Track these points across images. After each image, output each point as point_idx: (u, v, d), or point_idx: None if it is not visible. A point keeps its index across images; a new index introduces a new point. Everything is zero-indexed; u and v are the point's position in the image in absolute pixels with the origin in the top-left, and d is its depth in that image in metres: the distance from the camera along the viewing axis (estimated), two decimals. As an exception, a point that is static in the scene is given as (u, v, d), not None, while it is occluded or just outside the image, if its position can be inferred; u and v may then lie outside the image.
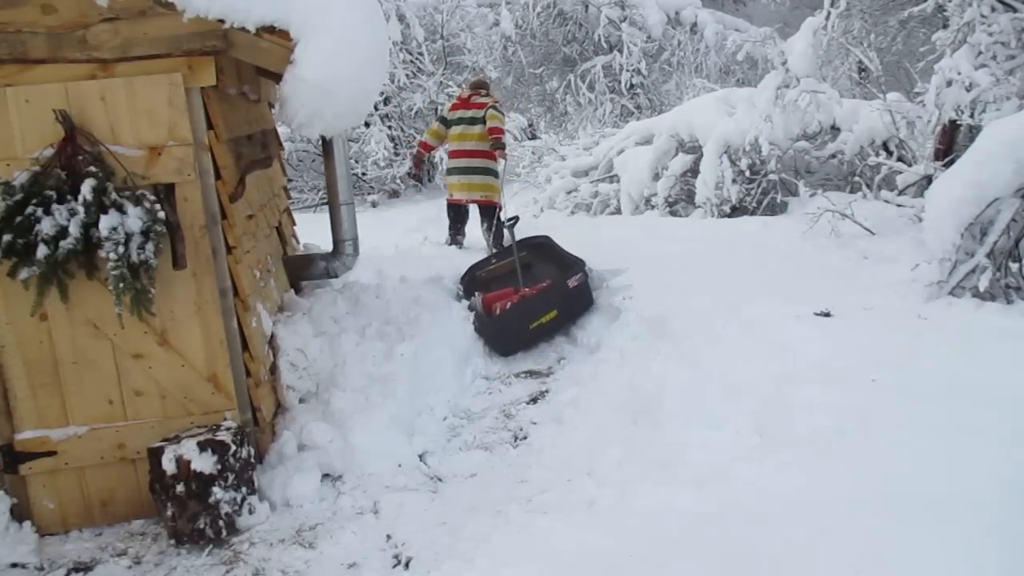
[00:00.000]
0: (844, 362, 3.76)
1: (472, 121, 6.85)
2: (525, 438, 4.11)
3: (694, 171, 8.56)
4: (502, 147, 6.73)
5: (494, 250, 6.55)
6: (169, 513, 3.33)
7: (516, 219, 6.01)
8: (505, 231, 6.00)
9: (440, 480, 3.79)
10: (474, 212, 7.28)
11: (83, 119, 3.33)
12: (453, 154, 7.01)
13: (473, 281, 5.87)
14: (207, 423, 3.56)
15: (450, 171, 7.10)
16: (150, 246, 3.27)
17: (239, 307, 3.70)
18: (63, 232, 3.19)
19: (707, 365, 3.87)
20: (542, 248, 6.03)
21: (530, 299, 5.23)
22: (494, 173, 6.94)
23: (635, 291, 5.26)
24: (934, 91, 5.93)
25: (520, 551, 2.84)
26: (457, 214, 7.22)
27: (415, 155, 7.37)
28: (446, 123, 7.02)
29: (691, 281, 5.26)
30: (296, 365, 4.19)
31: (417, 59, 13.81)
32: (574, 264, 5.50)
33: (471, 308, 5.35)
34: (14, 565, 3.29)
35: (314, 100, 3.58)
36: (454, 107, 7.10)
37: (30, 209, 3.18)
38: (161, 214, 3.32)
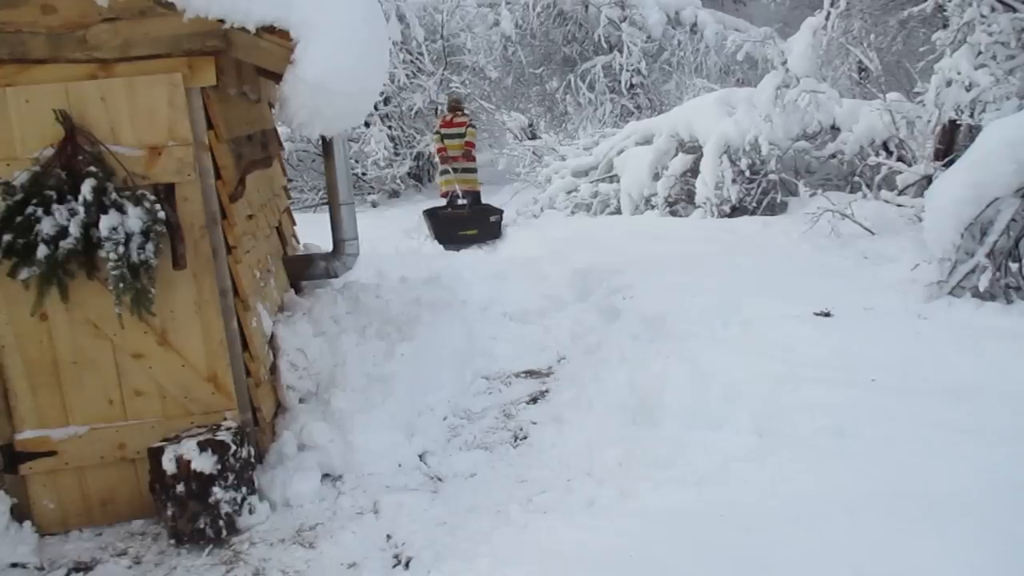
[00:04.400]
0: (844, 362, 3.76)
1: (458, 136, 10.16)
2: (525, 438, 4.11)
3: (694, 171, 8.56)
4: (471, 155, 10.29)
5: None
6: (169, 513, 3.33)
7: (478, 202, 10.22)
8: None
9: (440, 480, 3.79)
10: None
11: (83, 119, 3.33)
12: (448, 160, 10.24)
13: (432, 215, 9.62)
14: (207, 423, 3.56)
15: (442, 172, 10.47)
16: (150, 246, 3.27)
17: (239, 307, 3.70)
18: (63, 232, 3.19)
19: (707, 365, 3.87)
20: (482, 208, 9.77)
21: (464, 216, 9.32)
22: (474, 171, 10.38)
23: (635, 291, 5.27)
24: (934, 91, 5.94)
25: (520, 551, 2.85)
26: (448, 199, 10.35)
27: (441, 156, 10.32)
28: (441, 136, 10.31)
29: (691, 281, 5.26)
30: (296, 365, 4.19)
31: (417, 59, 13.81)
32: (496, 211, 9.41)
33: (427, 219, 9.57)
34: (14, 565, 3.29)
35: (314, 100, 3.58)
36: (443, 125, 10.35)
37: (30, 209, 3.17)
38: (161, 214, 3.32)
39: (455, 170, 10.15)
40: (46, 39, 3.30)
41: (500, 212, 9.32)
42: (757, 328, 4.21)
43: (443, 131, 10.26)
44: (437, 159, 10.34)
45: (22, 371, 3.45)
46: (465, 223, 8.96)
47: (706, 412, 3.56)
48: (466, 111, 10.88)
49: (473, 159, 10.28)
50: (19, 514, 3.48)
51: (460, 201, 10.11)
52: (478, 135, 11.28)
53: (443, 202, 10.40)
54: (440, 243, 8.68)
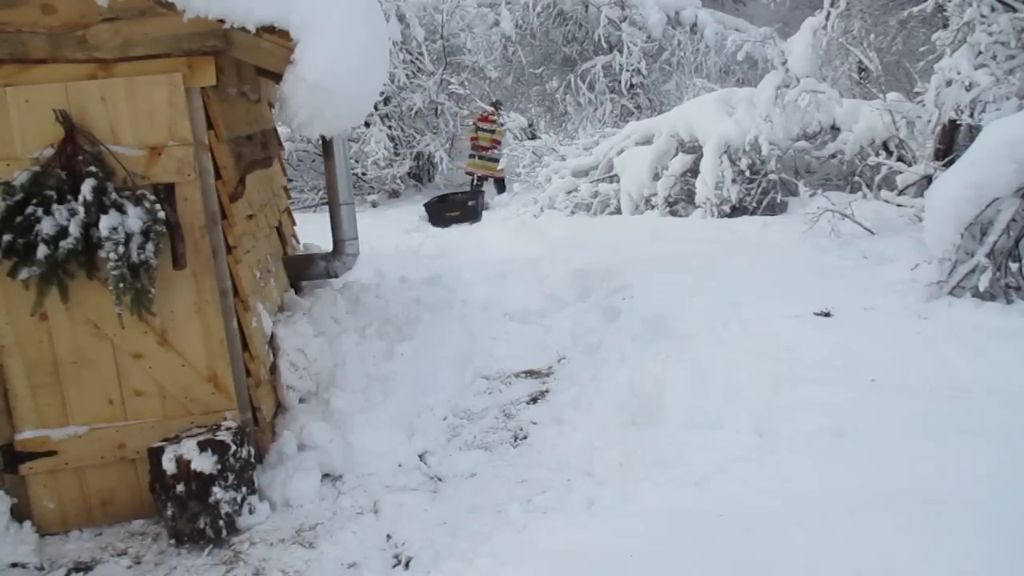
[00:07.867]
0: (844, 362, 3.76)
1: (489, 131, 12.80)
2: (525, 438, 4.11)
3: (694, 171, 8.55)
4: (496, 149, 12.90)
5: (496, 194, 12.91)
6: (169, 513, 3.33)
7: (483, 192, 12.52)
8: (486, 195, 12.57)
9: (440, 480, 3.79)
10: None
11: (83, 119, 3.33)
12: (477, 148, 12.92)
13: (428, 204, 11.64)
14: (207, 423, 3.56)
15: (471, 156, 13.07)
16: (150, 246, 3.27)
17: (239, 307, 3.70)
18: (63, 232, 3.19)
19: (707, 365, 3.86)
20: (464, 196, 11.99)
21: (448, 202, 11.54)
22: (496, 160, 12.85)
23: (635, 291, 5.27)
24: (934, 91, 5.94)
25: (520, 551, 2.85)
26: (474, 180, 13.05)
27: (473, 144, 12.98)
28: (477, 128, 12.89)
29: (691, 281, 5.26)
30: (296, 365, 4.19)
31: (417, 59, 13.79)
32: (474, 197, 11.69)
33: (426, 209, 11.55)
34: (14, 565, 3.29)
35: (314, 100, 3.58)
36: (480, 119, 12.97)
37: (30, 209, 3.17)
38: (161, 214, 3.32)
39: (481, 157, 12.83)
40: (46, 39, 3.30)
41: (477, 196, 11.89)
42: (757, 328, 4.21)
43: (479, 124, 12.89)
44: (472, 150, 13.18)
45: (22, 371, 3.45)
46: (450, 207, 11.36)
47: (706, 412, 3.56)
48: (502, 113, 13.30)
49: (497, 152, 13.11)
50: (19, 514, 3.48)
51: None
52: (504, 136, 13.86)
53: (436, 195, 12.42)
54: (433, 224, 11.03)
